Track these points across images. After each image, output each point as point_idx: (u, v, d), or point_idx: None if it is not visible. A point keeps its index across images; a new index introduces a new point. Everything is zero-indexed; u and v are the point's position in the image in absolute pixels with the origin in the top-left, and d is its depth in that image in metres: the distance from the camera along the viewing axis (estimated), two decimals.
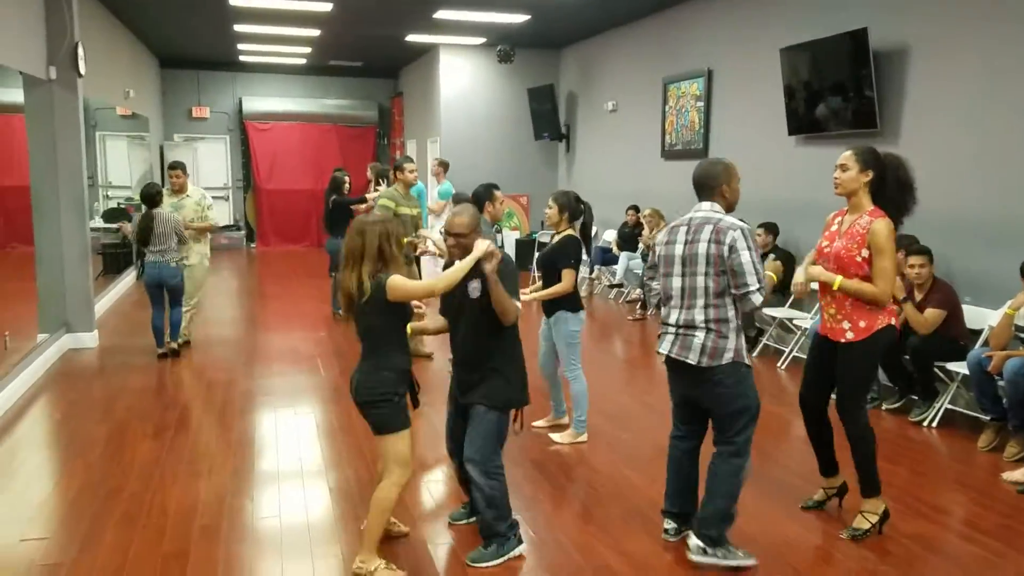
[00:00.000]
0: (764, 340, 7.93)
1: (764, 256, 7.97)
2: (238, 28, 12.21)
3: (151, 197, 7.25)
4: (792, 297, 7.77)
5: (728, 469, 3.68)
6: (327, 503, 4.47)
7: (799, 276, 4.11)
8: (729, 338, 3.56)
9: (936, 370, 5.76)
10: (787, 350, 7.52)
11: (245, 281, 13.28)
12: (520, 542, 3.84)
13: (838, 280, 3.86)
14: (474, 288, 3.66)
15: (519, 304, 3.68)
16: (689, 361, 3.61)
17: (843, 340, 3.94)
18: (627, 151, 11.50)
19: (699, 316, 3.57)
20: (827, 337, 4.05)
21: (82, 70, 7.69)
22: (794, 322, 7.45)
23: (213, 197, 16.55)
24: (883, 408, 6.09)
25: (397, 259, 3.55)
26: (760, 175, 8.54)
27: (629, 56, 11.47)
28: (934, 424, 5.70)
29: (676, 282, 3.68)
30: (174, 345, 7.55)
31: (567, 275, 5.05)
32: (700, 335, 3.58)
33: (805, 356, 7.23)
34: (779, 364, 7.46)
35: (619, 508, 4.40)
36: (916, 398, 5.91)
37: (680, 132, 10.07)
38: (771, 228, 8.00)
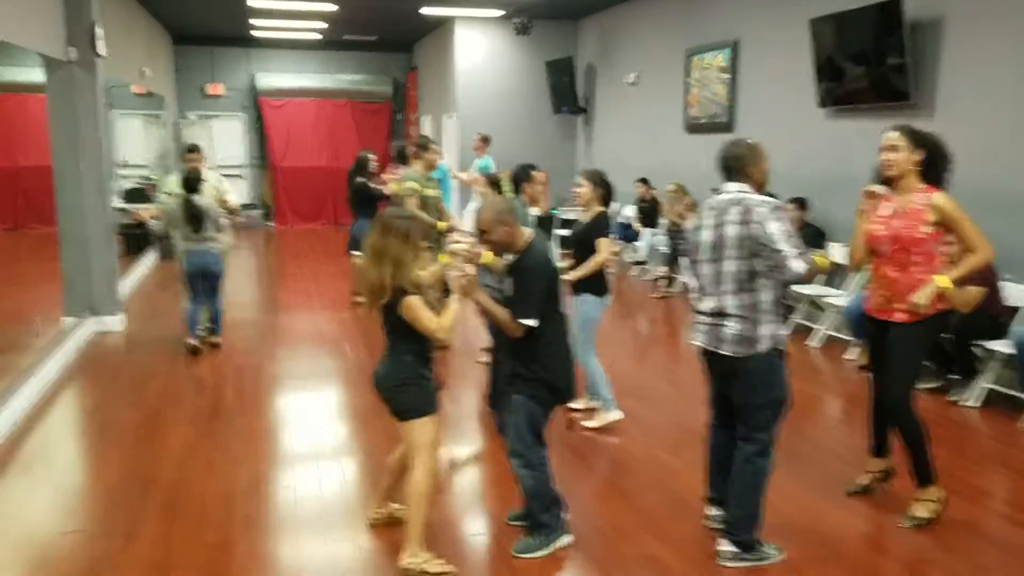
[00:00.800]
0: (794, 318, 7.83)
1: (798, 231, 7.86)
2: (251, 3, 12.05)
3: (194, 182, 6.85)
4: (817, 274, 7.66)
5: (753, 470, 3.54)
6: (364, 485, 4.44)
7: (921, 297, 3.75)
8: (763, 324, 3.40)
9: (974, 349, 5.67)
10: (817, 328, 7.42)
11: (264, 261, 13.24)
12: (567, 533, 3.79)
13: (944, 280, 3.70)
14: (508, 286, 3.62)
15: (526, 322, 3.49)
16: (723, 352, 3.46)
17: (895, 319, 3.84)
18: (649, 125, 11.35)
19: (730, 302, 3.41)
20: (875, 318, 3.95)
21: (101, 51, 7.59)
22: (825, 299, 7.34)
23: (229, 175, 16.82)
24: (921, 388, 6.01)
25: (417, 260, 3.43)
26: (789, 149, 8.40)
27: (651, 27, 11.28)
28: (976, 404, 5.62)
29: (707, 268, 3.51)
30: (215, 340, 7.23)
31: (602, 244, 4.97)
32: (732, 324, 3.41)
33: (836, 334, 7.23)
34: (807, 341, 7.37)
35: (658, 493, 4.37)
36: (955, 377, 5.82)
37: (705, 105, 9.92)
38: (801, 203, 7.88)
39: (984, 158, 6.03)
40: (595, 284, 5.07)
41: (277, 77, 16.83)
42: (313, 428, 5.44)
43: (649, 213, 10.57)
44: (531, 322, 3.51)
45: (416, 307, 3.37)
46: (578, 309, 5.06)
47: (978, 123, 6.15)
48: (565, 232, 8.70)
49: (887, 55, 6.75)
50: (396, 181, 7.46)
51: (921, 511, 3.92)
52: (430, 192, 7.13)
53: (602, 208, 5.11)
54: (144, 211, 7.35)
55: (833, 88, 7.57)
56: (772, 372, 3.48)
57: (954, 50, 6.41)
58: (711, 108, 9.78)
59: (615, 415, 5.26)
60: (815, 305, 7.76)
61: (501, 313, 3.56)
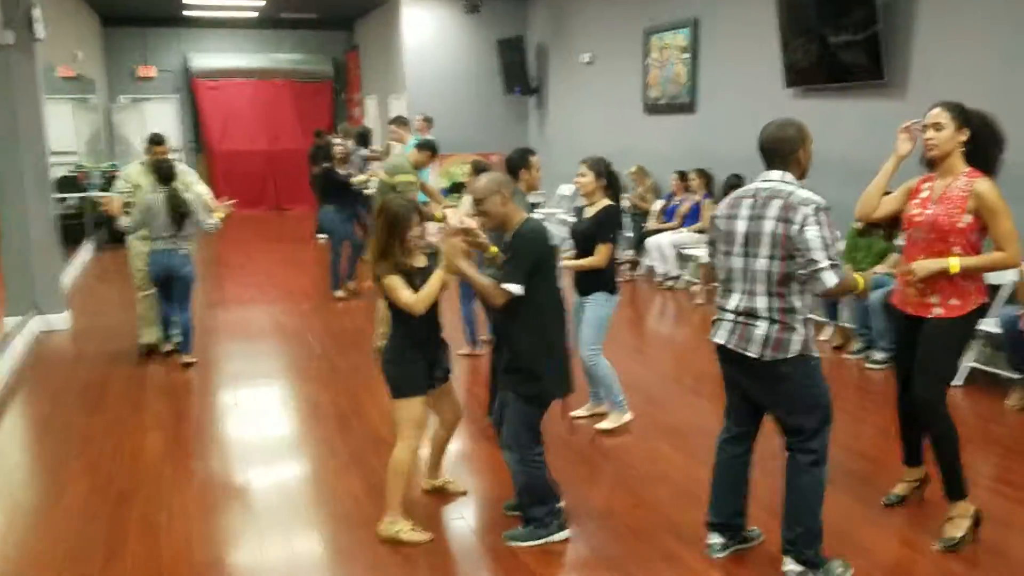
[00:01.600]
0: None
1: None
2: None
3: (168, 171, 6.12)
4: None
5: (811, 482, 3.27)
6: (363, 486, 4.22)
7: (910, 269, 3.52)
8: (796, 329, 3.14)
9: None
10: None
11: (207, 251, 12.72)
12: (562, 529, 3.71)
13: (956, 264, 3.40)
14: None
15: (510, 286, 3.42)
16: (750, 354, 3.19)
17: (930, 316, 3.54)
18: (606, 106, 11.20)
19: (761, 304, 3.16)
20: (906, 312, 3.65)
21: (40, 34, 7.10)
22: None
23: None
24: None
25: (403, 246, 3.57)
26: (755, 130, 8.28)
27: (606, 6, 11.10)
28: (959, 383, 5.63)
29: (737, 263, 3.24)
30: (188, 359, 6.35)
31: (602, 250, 4.68)
32: (763, 325, 3.16)
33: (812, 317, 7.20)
34: None
35: (666, 489, 4.24)
36: None
37: (665, 86, 9.81)
38: None
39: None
40: (605, 281, 4.77)
41: (212, 57, 16.23)
42: (286, 427, 5.18)
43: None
44: (514, 287, 3.42)
45: (392, 286, 3.52)
46: (589, 309, 4.81)
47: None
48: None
49: (858, 33, 6.70)
50: (386, 172, 7.01)
51: (954, 530, 3.59)
52: (410, 178, 6.86)
53: (609, 201, 4.77)
54: (114, 201, 6.38)
55: (800, 67, 7.51)
56: (807, 376, 3.22)
57: (926, 28, 6.39)
58: (671, 89, 9.68)
59: (627, 416, 5.03)
60: None
61: (483, 281, 3.51)
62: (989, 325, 5.41)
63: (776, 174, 3.26)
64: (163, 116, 16.30)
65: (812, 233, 3.03)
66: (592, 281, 4.79)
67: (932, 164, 3.59)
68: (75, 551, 3.72)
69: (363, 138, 10.47)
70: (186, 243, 6.24)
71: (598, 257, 4.71)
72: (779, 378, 3.22)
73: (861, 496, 4.10)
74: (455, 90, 13.31)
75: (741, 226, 3.23)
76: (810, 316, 3.21)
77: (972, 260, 3.44)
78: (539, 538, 3.67)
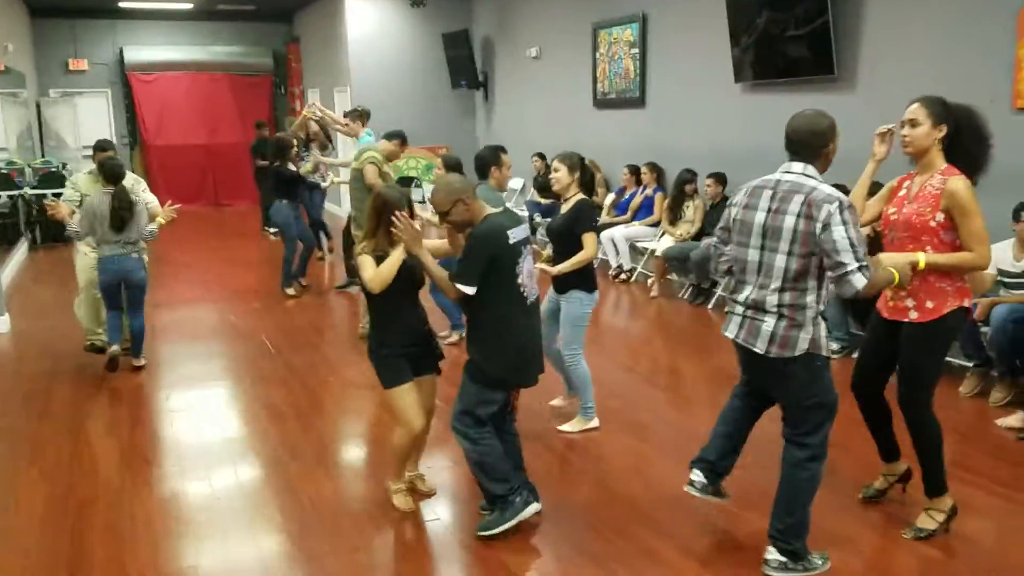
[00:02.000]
0: (718, 291, 7.90)
1: (716, 206, 7.93)
2: None
3: (117, 170, 5.75)
4: None
5: (805, 476, 3.28)
6: (330, 486, 4.15)
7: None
8: (804, 327, 3.12)
9: None
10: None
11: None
12: (528, 503, 3.69)
13: (922, 259, 3.34)
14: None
15: (462, 287, 3.48)
16: (756, 350, 3.20)
17: (906, 320, 3.50)
18: (555, 100, 11.20)
19: (771, 299, 3.14)
20: (881, 315, 3.64)
21: None
22: None
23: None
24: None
25: (388, 235, 3.64)
26: (705, 124, 8.46)
27: (552, 1, 11.10)
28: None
29: (753, 255, 3.20)
30: (139, 362, 6.14)
31: (589, 239, 4.61)
32: (770, 321, 3.15)
33: None
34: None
35: (639, 485, 4.25)
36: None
37: (613, 80, 9.85)
38: (720, 178, 7.94)
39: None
40: (583, 279, 4.70)
41: (147, 50, 15.79)
42: (246, 429, 5.06)
43: (548, 188, 10.44)
44: (465, 288, 3.47)
45: (362, 264, 3.65)
46: (566, 308, 4.73)
47: (902, 96, 6.23)
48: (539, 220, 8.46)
49: (809, 28, 6.81)
50: (355, 156, 6.86)
51: (927, 522, 3.64)
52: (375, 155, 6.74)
53: (582, 195, 4.73)
54: (61, 207, 5.82)
55: (750, 63, 7.61)
56: (814, 376, 3.21)
57: (875, 22, 6.52)
58: (620, 83, 9.72)
59: (593, 423, 4.95)
60: None
61: (438, 272, 3.57)
62: None
63: (798, 166, 3.18)
64: (96, 110, 15.81)
65: (839, 234, 2.97)
66: (570, 278, 4.68)
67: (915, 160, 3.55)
68: (38, 563, 3.60)
69: (323, 131, 10.28)
70: (137, 247, 5.87)
71: (587, 249, 4.61)
72: (784, 375, 3.22)
73: (829, 484, 4.15)
74: (401, 83, 13.17)
75: (760, 217, 3.17)
76: (822, 314, 3.18)
77: (940, 257, 3.37)
78: (508, 520, 3.64)
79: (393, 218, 3.52)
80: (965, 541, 3.65)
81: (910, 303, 3.47)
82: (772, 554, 3.33)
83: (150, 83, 15.83)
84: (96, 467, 4.57)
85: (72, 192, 6.22)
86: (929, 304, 3.44)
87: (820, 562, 3.36)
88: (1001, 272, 5.19)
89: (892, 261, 3.35)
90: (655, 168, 9.01)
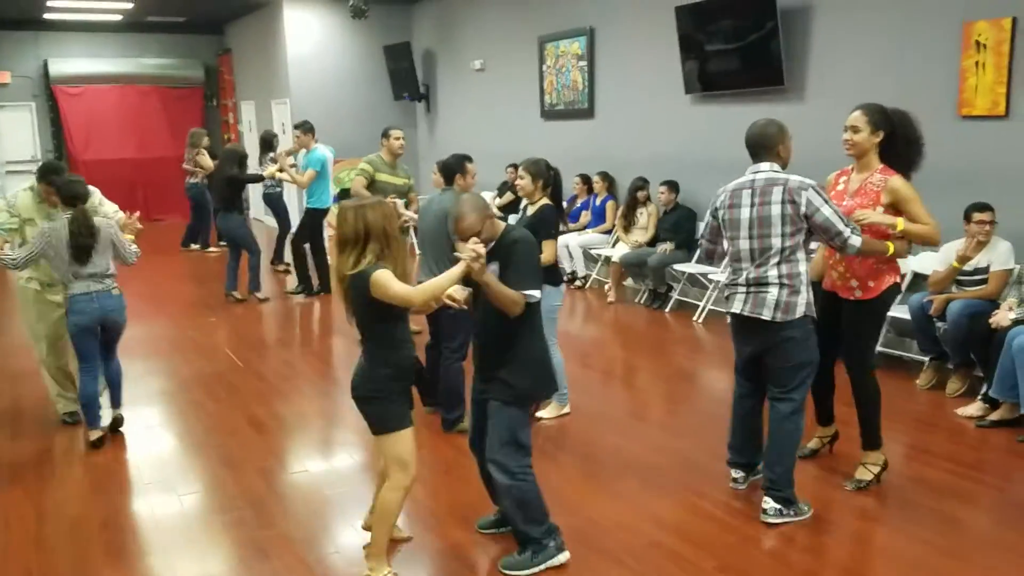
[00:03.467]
0: (674, 296, 8.13)
1: (669, 212, 8.18)
2: None
3: (76, 192, 4.83)
4: (699, 252, 8.01)
5: (791, 428, 3.81)
6: (331, 495, 4.16)
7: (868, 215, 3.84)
8: (801, 292, 3.69)
9: None
10: (701, 304, 7.74)
11: None
12: (561, 550, 3.52)
13: (901, 222, 3.84)
14: (493, 271, 3.38)
15: (532, 293, 3.34)
16: (763, 317, 3.70)
17: (852, 298, 4.05)
18: (502, 112, 11.33)
19: (772, 272, 3.68)
20: (834, 293, 4.13)
21: None
22: (709, 277, 7.67)
23: (19, 172, 15.16)
24: None
25: (399, 241, 3.36)
26: (656, 134, 8.70)
27: (497, 14, 11.25)
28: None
29: (744, 244, 3.76)
30: (120, 413, 5.24)
31: (548, 246, 4.76)
32: (774, 291, 3.68)
33: (720, 310, 7.59)
34: (695, 318, 7.68)
35: (632, 479, 4.38)
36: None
37: (561, 92, 10.04)
38: (672, 186, 8.17)
39: None
40: (550, 274, 4.80)
41: (74, 62, 15.30)
42: (234, 441, 5.01)
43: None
44: (536, 293, 3.36)
45: (385, 281, 3.18)
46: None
47: (848, 106, 6.56)
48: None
49: (760, 41, 7.10)
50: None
51: (865, 474, 4.16)
52: (386, 178, 6.77)
53: (546, 200, 4.89)
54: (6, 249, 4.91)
55: (700, 74, 7.88)
56: (807, 336, 3.77)
57: (822, 34, 6.85)
58: (568, 95, 9.92)
59: (566, 409, 5.20)
60: (694, 282, 8.09)
61: (506, 291, 3.28)
62: (899, 311, 5.87)
63: (766, 165, 3.78)
64: (18, 124, 15.30)
65: (826, 212, 3.61)
66: None
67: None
68: None
69: (267, 143, 10.19)
70: (113, 279, 4.93)
71: (546, 254, 4.66)
72: (784, 338, 3.73)
73: None
74: (341, 95, 13.12)
75: (745, 213, 3.75)
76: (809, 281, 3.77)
77: (912, 226, 3.86)
78: (537, 565, 3.47)
79: (461, 244, 3.28)
80: (946, 522, 3.89)
81: (854, 283, 4.02)
82: (768, 503, 3.80)
83: (77, 96, 15.37)
84: (82, 485, 4.50)
85: (7, 217, 5.13)
86: (871, 284, 3.99)
87: (806, 508, 3.86)
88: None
89: (873, 216, 3.83)
90: (606, 177, 9.22)
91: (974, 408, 5.10)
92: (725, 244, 3.92)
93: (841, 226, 3.63)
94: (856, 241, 3.65)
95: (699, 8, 7.68)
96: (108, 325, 4.97)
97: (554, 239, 4.91)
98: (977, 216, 5.33)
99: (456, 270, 3.24)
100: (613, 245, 8.88)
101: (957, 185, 5.83)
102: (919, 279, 6.04)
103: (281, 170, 9.04)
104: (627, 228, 8.60)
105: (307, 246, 8.91)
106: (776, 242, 3.68)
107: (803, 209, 3.62)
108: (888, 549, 3.68)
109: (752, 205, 3.73)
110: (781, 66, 6.98)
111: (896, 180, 3.92)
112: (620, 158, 9.17)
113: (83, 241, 4.71)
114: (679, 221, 8.12)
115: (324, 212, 9.01)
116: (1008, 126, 5.66)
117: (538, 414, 5.10)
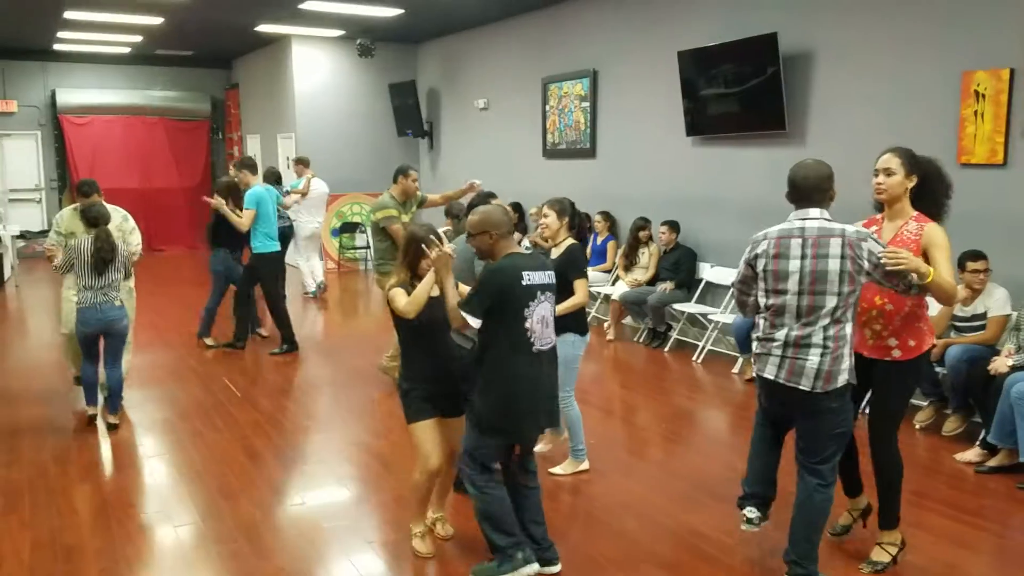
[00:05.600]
0: (673, 335, 8.15)
1: (669, 252, 8.23)
2: (69, 15, 11.04)
3: (98, 214, 5.61)
4: (699, 291, 8.05)
5: (822, 500, 3.48)
6: (325, 526, 4.14)
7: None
8: (844, 358, 3.35)
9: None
10: (701, 344, 7.76)
11: None
12: (529, 562, 3.56)
13: (932, 272, 3.38)
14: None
15: (467, 315, 3.47)
16: (802, 387, 3.35)
17: (888, 359, 3.65)
18: (504, 150, 11.45)
19: (818, 335, 3.33)
20: (860, 354, 3.68)
21: None
22: (708, 317, 7.70)
23: (24, 200, 15.23)
24: None
25: (416, 269, 3.75)
26: (657, 174, 8.79)
27: (501, 55, 11.41)
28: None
29: (792, 300, 3.37)
30: (113, 420, 5.79)
31: (580, 285, 4.71)
32: (815, 357, 3.32)
33: (719, 350, 7.62)
34: (694, 358, 7.69)
35: (634, 520, 4.37)
36: None
37: (564, 132, 10.15)
38: (673, 226, 8.23)
39: (857, 184, 6.56)
40: (576, 322, 4.78)
41: (81, 93, 15.46)
42: (230, 471, 5.00)
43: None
44: (469, 317, 3.47)
45: (392, 297, 3.70)
46: (563, 351, 4.64)
47: (849, 151, 6.66)
48: None
49: (763, 86, 7.20)
50: (373, 209, 6.79)
51: (882, 555, 3.83)
52: (407, 218, 6.72)
53: (574, 241, 4.83)
54: (54, 248, 5.91)
55: (702, 117, 7.98)
56: (844, 407, 3.43)
57: (825, 80, 6.95)
58: (571, 135, 10.03)
59: (584, 466, 5.04)
60: (693, 322, 8.12)
61: (453, 300, 3.55)
62: None
63: (816, 211, 3.41)
64: (23, 153, 15.44)
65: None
66: (564, 321, 4.65)
67: (882, 207, 3.76)
68: None
69: (276, 177, 10.24)
70: (118, 292, 5.65)
71: (579, 294, 4.69)
72: (822, 409, 3.39)
73: None
74: (347, 131, 13.27)
75: (795, 265, 3.36)
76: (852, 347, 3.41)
77: (941, 279, 3.43)
78: (502, 573, 3.55)
79: (425, 246, 3.62)
80: (947, 567, 3.88)
81: (892, 342, 3.62)
82: None
83: (83, 126, 15.51)
84: (77, 513, 4.46)
85: (55, 235, 6.13)
86: (911, 343, 3.62)
87: None
88: (952, 316, 5.55)
89: (910, 258, 3.37)
90: (607, 216, 9.28)
91: (973, 454, 5.11)
92: (762, 298, 3.50)
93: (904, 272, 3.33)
94: (924, 278, 3.33)
95: (702, 53, 7.79)
96: (111, 332, 5.68)
97: (585, 278, 4.80)
98: (971, 265, 5.37)
99: (427, 278, 3.63)
100: (613, 283, 8.91)
101: (955, 232, 5.79)
102: None
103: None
104: (628, 267, 8.63)
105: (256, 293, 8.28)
106: (832, 301, 3.31)
107: (866, 264, 3.30)
108: None
109: (804, 257, 3.34)
110: (783, 110, 7.08)
111: (936, 227, 3.58)
112: (621, 197, 9.25)
113: (105, 255, 5.52)
114: (679, 260, 8.17)
115: (270, 258, 8.01)
116: (1006, 174, 5.74)
117: (551, 471, 4.97)
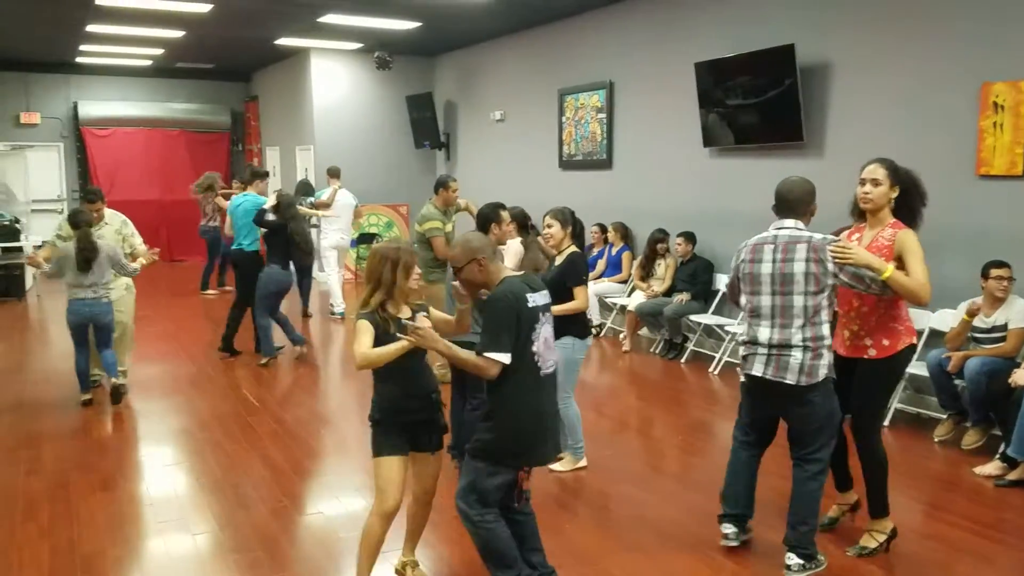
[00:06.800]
0: (690, 346, 8.14)
1: (686, 263, 8.23)
2: (92, 28, 11.18)
3: (80, 219, 6.20)
4: (715, 303, 8.04)
5: (816, 486, 3.79)
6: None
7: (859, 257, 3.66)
8: (824, 355, 3.65)
9: None
10: (717, 356, 7.74)
11: None
12: None
13: (889, 269, 3.62)
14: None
15: (494, 356, 3.20)
16: (787, 382, 3.65)
17: (864, 357, 3.88)
18: (520, 161, 11.49)
19: (796, 336, 3.63)
20: (841, 355, 3.95)
21: None
22: (725, 328, 7.68)
23: (45, 211, 15.42)
24: None
25: (401, 289, 3.40)
26: (673, 186, 8.79)
27: (517, 66, 11.47)
28: (887, 424, 6.02)
29: (766, 300, 3.71)
30: (118, 381, 6.48)
31: (580, 292, 4.85)
32: (797, 354, 3.63)
33: (734, 360, 7.58)
34: (711, 369, 7.68)
35: (644, 530, 4.36)
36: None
37: (580, 143, 10.18)
38: (690, 237, 8.23)
39: None
40: (576, 326, 4.89)
41: (102, 105, 15.68)
42: (247, 482, 5.03)
43: None
44: (499, 356, 3.20)
45: (358, 330, 3.34)
46: (563, 354, 4.75)
47: (865, 163, 6.65)
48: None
49: (780, 97, 7.19)
50: (418, 220, 6.86)
51: (870, 541, 4.01)
52: (449, 227, 6.85)
53: (575, 248, 4.98)
54: (40, 252, 6.62)
55: (719, 129, 7.98)
56: (829, 397, 3.75)
57: (843, 91, 6.94)
58: (587, 146, 10.05)
59: (582, 463, 5.15)
60: (709, 333, 8.10)
61: (467, 356, 3.27)
62: (917, 368, 5.85)
63: (790, 222, 3.76)
64: (47, 164, 15.62)
65: (851, 267, 3.62)
66: (563, 325, 4.71)
67: (863, 215, 3.94)
68: None
69: (307, 187, 10.31)
70: (106, 290, 6.31)
71: (578, 300, 4.87)
72: (806, 402, 3.70)
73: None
74: (365, 142, 13.37)
75: (767, 268, 3.71)
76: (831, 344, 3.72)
77: (902, 277, 3.63)
78: None
79: (405, 336, 3.24)
80: (910, 560, 3.91)
81: (868, 342, 3.87)
82: (792, 559, 3.76)
83: (104, 138, 15.71)
84: (95, 521, 4.49)
85: (54, 237, 6.70)
86: (885, 342, 3.84)
87: (823, 558, 3.84)
88: (972, 328, 5.50)
89: (863, 253, 3.66)
90: (622, 227, 9.29)
91: (992, 467, 5.06)
92: (743, 300, 3.85)
93: (865, 271, 3.62)
94: (885, 275, 3.58)
95: (718, 64, 7.80)
96: (98, 325, 6.31)
97: (585, 285, 4.96)
98: (995, 272, 5.35)
99: (395, 346, 3.27)
100: (629, 294, 8.91)
101: (975, 243, 5.87)
102: (936, 335, 6.02)
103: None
104: (644, 278, 8.63)
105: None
106: (799, 300, 3.62)
107: (830, 266, 3.59)
108: None
109: (774, 261, 3.68)
110: (801, 122, 7.07)
111: (908, 233, 3.77)
112: (637, 209, 9.26)
113: (86, 255, 6.09)
114: (696, 272, 8.16)
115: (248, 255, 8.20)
116: None
117: (552, 467, 5.04)
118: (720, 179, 8.20)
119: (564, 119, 10.41)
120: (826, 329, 3.66)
